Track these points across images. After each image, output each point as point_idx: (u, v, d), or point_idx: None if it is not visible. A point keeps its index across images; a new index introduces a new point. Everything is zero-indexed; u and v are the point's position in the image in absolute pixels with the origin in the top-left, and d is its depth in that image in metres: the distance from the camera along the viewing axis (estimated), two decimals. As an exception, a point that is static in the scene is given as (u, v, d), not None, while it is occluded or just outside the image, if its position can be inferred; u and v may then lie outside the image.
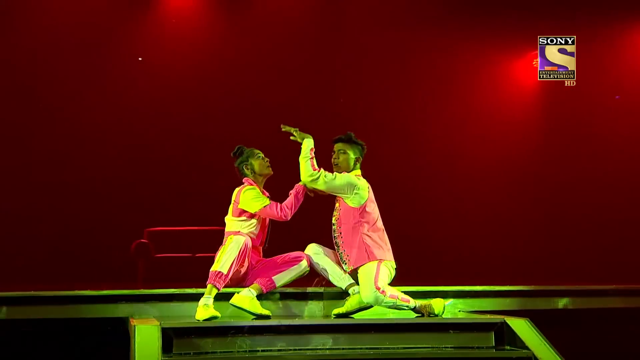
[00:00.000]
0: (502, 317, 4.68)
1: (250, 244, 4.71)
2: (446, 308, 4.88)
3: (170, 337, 4.19)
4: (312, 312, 4.97)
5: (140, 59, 8.73)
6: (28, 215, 8.15)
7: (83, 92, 8.52)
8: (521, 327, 4.55)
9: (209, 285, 4.54)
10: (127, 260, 8.47)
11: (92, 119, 8.52)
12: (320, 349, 4.41)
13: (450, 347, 4.55)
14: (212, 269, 4.59)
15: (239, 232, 4.80)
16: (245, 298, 4.66)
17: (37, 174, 8.33)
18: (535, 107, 8.16)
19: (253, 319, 4.60)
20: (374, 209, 4.89)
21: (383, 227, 4.92)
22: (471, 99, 8.26)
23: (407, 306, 4.71)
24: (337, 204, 4.94)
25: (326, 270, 4.89)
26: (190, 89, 8.71)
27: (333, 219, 4.92)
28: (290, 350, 4.36)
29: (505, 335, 4.59)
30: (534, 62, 7.37)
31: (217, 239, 4.92)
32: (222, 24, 8.67)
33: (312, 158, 4.83)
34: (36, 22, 8.25)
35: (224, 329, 4.31)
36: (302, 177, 4.84)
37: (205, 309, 4.43)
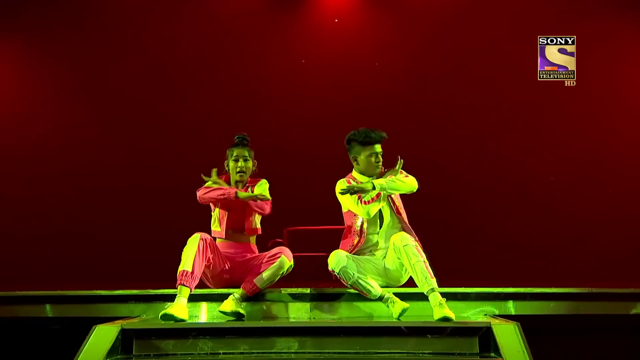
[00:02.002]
0: (489, 321, 4.18)
1: (208, 238, 4.71)
2: (402, 313, 4.53)
3: (131, 338, 4.27)
4: (298, 314, 4.80)
5: (303, 61, 8.73)
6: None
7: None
8: (506, 332, 4.03)
9: (178, 286, 4.55)
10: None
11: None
12: (285, 352, 4.23)
13: (428, 353, 4.15)
14: (178, 269, 4.59)
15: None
16: (230, 304, 4.65)
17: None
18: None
19: (228, 320, 4.57)
20: None
21: None
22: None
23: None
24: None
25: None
26: (344, 88, 8.53)
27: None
28: (254, 353, 4.24)
29: (491, 342, 4.09)
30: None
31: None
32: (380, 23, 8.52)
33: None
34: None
35: (185, 330, 4.27)
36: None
37: (168, 308, 4.42)
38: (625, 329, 5.07)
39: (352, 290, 4.76)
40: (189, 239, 4.69)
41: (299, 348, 4.24)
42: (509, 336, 4.01)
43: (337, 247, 4.87)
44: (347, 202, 4.84)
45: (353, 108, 7.75)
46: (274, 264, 4.72)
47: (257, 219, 5.12)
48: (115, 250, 7.26)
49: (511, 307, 4.88)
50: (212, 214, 5.10)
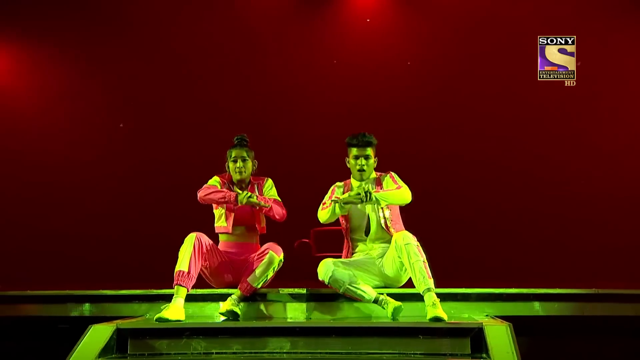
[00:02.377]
0: (481, 322, 4.13)
1: (204, 238, 4.74)
2: (395, 312, 4.53)
3: (126, 337, 4.33)
4: (295, 314, 4.80)
5: (335, 61, 8.71)
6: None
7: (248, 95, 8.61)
8: (497, 333, 3.98)
9: (175, 286, 4.59)
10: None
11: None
12: (277, 352, 4.25)
13: (420, 354, 4.12)
14: (175, 269, 4.63)
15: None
16: (226, 304, 4.69)
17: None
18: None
19: (223, 319, 4.60)
20: None
21: None
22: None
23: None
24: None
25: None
26: (373, 88, 8.53)
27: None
28: (246, 353, 4.26)
29: (483, 343, 4.04)
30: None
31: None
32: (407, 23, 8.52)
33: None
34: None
35: (179, 330, 4.31)
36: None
37: (164, 310, 4.47)
38: (627, 330, 4.98)
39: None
40: (185, 239, 4.74)
41: (292, 348, 4.25)
42: (499, 337, 3.96)
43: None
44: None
45: (375, 108, 7.77)
46: (264, 260, 4.74)
47: (264, 218, 5.13)
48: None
49: (511, 308, 4.82)
50: (215, 210, 5.10)
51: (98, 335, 4.25)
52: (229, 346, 4.29)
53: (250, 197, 4.82)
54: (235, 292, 4.75)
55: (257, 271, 4.73)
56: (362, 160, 4.89)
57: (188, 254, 4.63)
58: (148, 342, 4.33)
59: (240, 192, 4.86)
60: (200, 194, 5.01)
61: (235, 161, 5.03)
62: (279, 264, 4.80)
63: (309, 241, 9.01)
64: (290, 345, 4.26)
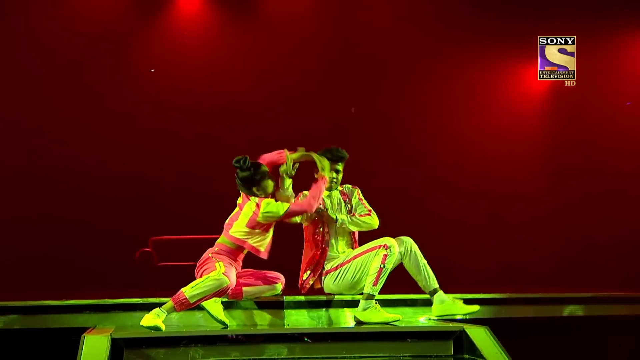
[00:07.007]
0: (462, 325, 4.63)
1: (231, 289, 4.61)
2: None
3: (121, 347, 4.22)
4: (273, 321, 4.97)
5: (152, 70, 8.83)
6: (30, 222, 8.21)
7: (90, 101, 8.60)
8: (479, 335, 4.48)
9: (170, 302, 4.51)
10: (131, 268, 8.60)
11: (99, 126, 8.60)
12: (274, 358, 4.40)
13: (408, 356, 4.50)
14: (184, 289, 4.51)
15: (245, 241, 4.72)
16: (210, 301, 4.69)
17: (40, 179, 8.41)
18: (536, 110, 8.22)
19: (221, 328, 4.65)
20: None
21: None
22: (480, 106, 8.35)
23: None
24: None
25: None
26: (196, 98, 8.76)
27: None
28: (244, 359, 4.37)
29: (465, 344, 4.53)
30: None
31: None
32: (232, 33, 8.73)
33: None
34: (45, 29, 8.35)
35: (176, 339, 4.29)
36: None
37: (153, 318, 4.40)
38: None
39: (321, 298, 5.03)
40: (218, 277, 4.54)
41: (289, 354, 4.41)
42: (483, 338, 4.44)
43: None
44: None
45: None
46: (268, 286, 4.92)
47: None
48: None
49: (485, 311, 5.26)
50: (264, 234, 4.79)
51: (95, 346, 4.09)
52: (227, 353, 4.34)
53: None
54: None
55: (257, 289, 4.87)
56: (333, 174, 5.17)
57: (205, 294, 4.51)
58: (144, 351, 4.24)
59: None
60: (311, 197, 4.83)
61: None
62: (274, 294, 4.94)
63: (150, 250, 9.03)
64: (287, 351, 4.42)
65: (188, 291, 4.50)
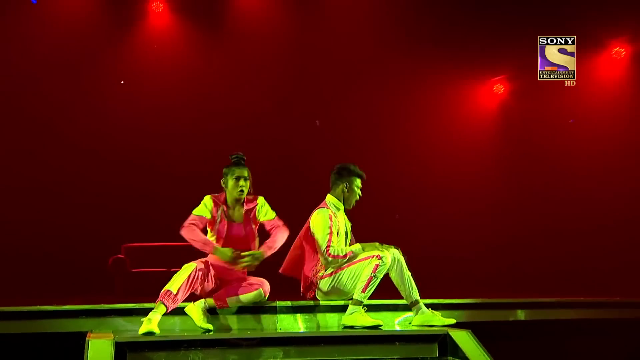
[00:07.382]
0: (446, 329, 4.90)
1: (204, 268, 4.85)
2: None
3: (124, 351, 4.37)
4: (266, 325, 5.16)
5: (122, 82, 9.03)
6: (4, 228, 8.31)
7: (64, 111, 8.79)
8: (463, 338, 4.76)
9: (157, 302, 4.69)
10: (104, 275, 8.71)
11: (72, 134, 8.81)
12: (271, 361, 4.63)
13: (396, 358, 4.75)
14: (165, 287, 4.73)
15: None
16: (195, 308, 4.88)
17: (12, 189, 8.55)
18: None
19: (203, 332, 4.80)
20: None
21: None
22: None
23: None
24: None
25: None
26: (167, 108, 9.01)
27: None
28: (242, 362, 4.57)
29: (449, 347, 4.81)
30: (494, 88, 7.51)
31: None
32: (202, 46, 8.98)
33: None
34: (18, 40, 8.52)
35: (176, 342, 4.47)
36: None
37: (146, 323, 4.55)
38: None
39: (312, 303, 5.26)
40: (185, 265, 4.81)
41: (284, 356, 4.63)
42: (467, 342, 4.73)
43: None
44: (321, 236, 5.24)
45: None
46: (250, 293, 5.03)
47: (258, 241, 5.20)
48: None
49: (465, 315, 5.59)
50: (209, 232, 5.11)
51: (100, 350, 4.23)
52: (226, 357, 4.53)
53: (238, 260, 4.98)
54: (209, 301, 4.92)
55: (241, 297, 5.00)
56: (242, 182, 5.11)
57: (181, 280, 4.73)
58: (146, 355, 4.41)
59: (228, 254, 4.96)
60: (187, 235, 4.99)
61: (238, 179, 5.06)
62: (259, 300, 5.08)
63: (123, 257, 9.15)
64: (283, 353, 4.63)
65: (168, 285, 4.74)
